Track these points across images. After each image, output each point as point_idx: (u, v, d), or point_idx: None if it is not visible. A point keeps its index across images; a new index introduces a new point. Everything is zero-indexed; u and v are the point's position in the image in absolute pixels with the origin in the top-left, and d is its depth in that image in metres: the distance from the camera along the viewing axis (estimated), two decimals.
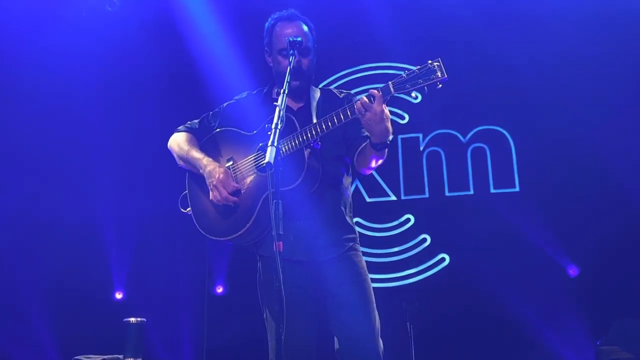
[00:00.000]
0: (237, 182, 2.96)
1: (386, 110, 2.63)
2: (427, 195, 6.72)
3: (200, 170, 3.02)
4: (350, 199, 3.06)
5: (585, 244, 6.03)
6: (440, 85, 2.56)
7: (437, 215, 6.60)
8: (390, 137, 2.71)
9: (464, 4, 6.51)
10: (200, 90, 6.61)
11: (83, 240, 6.82)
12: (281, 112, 2.50)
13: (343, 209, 2.98)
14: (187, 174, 3.22)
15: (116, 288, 6.90)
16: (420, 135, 6.87)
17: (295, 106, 3.08)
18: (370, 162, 2.85)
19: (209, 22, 6.60)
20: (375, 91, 2.61)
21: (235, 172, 2.99)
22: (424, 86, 2.56)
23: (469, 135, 6.77)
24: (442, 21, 6.56)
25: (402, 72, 2.64)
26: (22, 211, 6.68)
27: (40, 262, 6.64)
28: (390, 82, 2.62)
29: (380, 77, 6.56)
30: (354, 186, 3.24)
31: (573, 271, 6.14)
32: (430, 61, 2.58)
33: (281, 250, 2.28)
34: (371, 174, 6.62)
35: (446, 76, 2.53)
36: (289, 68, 2.75)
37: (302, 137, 2.76)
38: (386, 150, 2.78)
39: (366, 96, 2.61)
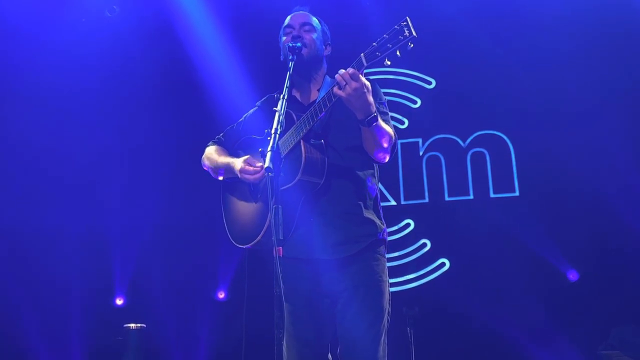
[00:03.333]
0: (253, 189, 2.94)
1: (365, 82, 2.54)
2: (426, 200, 6.72)
3: (235, 172, 2.96)
4: (373, 191, 2.93)
5: (585, 248, 6.02)
6: (412, 45, 2.42)
7: (437, 220, 6.61)
8: (373, 109, 2.61)
9: (464, 10, 6.53)
10: (201, 97, 6.65)
11: (86, 247, 6.82)
12: (280, 117, 2.50)
13: (361, 202, 2.86)
14: (221, 189, 3.20)
15: (117, 294, 6.89)
16: (420, 140, 6.88)
17: (305, 101, 3.05)
18: (371, 143, 2.75)
19: (209, 29, 6.62)
20: (349, 68, 2.53)
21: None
22: (395, 50, 2.44)
23: (468, 140, 6.78)
24: (441, 27, 6.57)
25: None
26: (25, 216, 6.66)
27: (43, 267, 6.62)
28: (362, 54, 2.53)
29: (380, 82, 6.56)
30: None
31: (573, 276, 6.13)
32: (398, 23, 2.45)
33: (281, 255, 2.27)
34: None
35: (414, 34, 2.39)
36: (288, 73, 2.75)
37: (298, 131, 2.73)
38: (379, 125, 2.67)
39: (340, 75, 2.53)
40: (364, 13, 6.72)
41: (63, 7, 6.76)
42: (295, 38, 2.95)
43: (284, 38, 3.03)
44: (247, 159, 2.91)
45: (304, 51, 2.93)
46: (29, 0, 6.53)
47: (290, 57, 2.84)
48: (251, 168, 2.85)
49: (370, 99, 2.59)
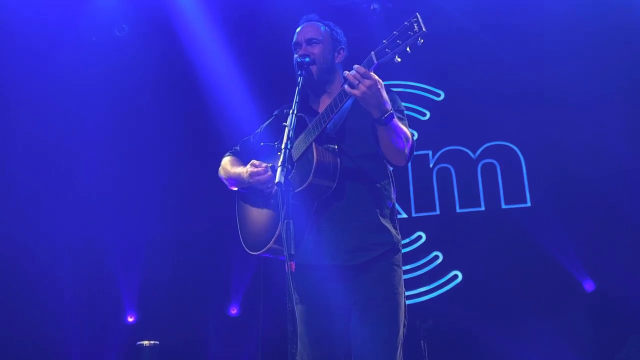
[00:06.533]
0: (266, 197, 2.92)
1: (377, 78, 2.50)
2: (438, 212, 6.70)
3: (245, 180, 2.95)
4: (390, 201, 2.90)
5: (600, 258, 5.98)
6: (422, 41, 2.38)
7: (449, 232, 6.58)
8: (389, 106, 2.56)
9: (472, 22, 6.54)
10: (210, 106, 6.69)
11: (91, 263, 6.83)
12: (290, 133, 2.49)
13: (377, 210, 2.82)
14: (236, 198, 3.19)
15: (127, 312, 6.88)
16: (430, 152, 6.87)
17: (321, 108, 2.98)
18: (387, 143, 2.68)
19: (217, 46, 6.67)
20: (359, 66, 2.49)
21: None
22: (405, 46, 2.40)
23: (478, 151, 6.76)
24: (449, 39, 6.58)
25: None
26: (24, 232, 6.57)
27: (51, 285, 6.61)
28: (372, 52, 2.50)
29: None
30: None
31: (589, 286, 6.08)
32: (408, 19, 2.41)
33: (293, 270, 2.25)
34: None
35: (424, 29, 2.34)
36: (297, 88, 2.74)
37: (311, 134, 2.72)
38: (395, 123, 2.63)
39: (351, 74, 2.50)
40: (370, 26, 6.76)
41: (74, 26, 6.83)
42: (302, 56, 2.94)
43: (295, 55, 3.03)
44: (252, 162, 2.89)
45: (313, 68, 2.93)
46: (43, 21, 6.58)
47: (299, 72, 2.84)
48: (260, 169, 2.83)
49: (385, 94, 2.55)
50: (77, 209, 6.85)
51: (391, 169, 2.97)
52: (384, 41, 2.48)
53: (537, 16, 6.52)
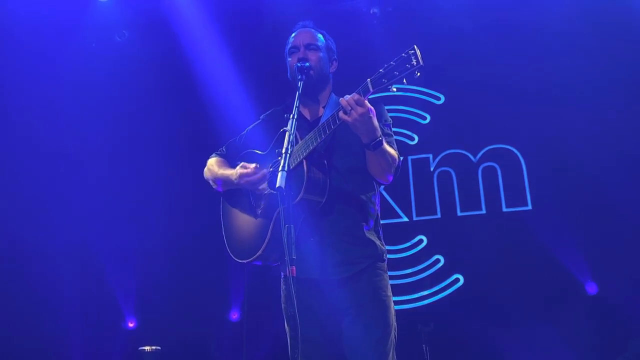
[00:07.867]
0: (254, 202, 2.95)
1: (370, 107, 2.56)
2: (439, 216, 6.70)
3: (234, 182, 2.96)
4: (375, 212, 2.94)
5: (602, 261, 5.97)
6: (419, 74, 2.44)
7: (450, 235, 6.57)
8: (378, 133, 2.63)
9: (472, 25, 6.54)
10: (208, 118, 6.68)
11: (92, 270, 6.82)
12: (291, 137, 2.51)
13: (363, 223, 2.86)
14: (221, 202, 3.21)
15: (128, 317, 6.87)
16: (431, 156, 6.87)
17: (310, 117, 3.05)
18: (375, 166, 2.76)
19: (217, 51, 6.68)
20: (355, 94, 2.55)
21: (253, 191, 2.99)
22: (401, 78, 2.45)
23: (479, 155, 6.76)
24: (449, 43, 6.59)
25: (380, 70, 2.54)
26: (26, 239, 6.60)
27: (52, 291, 6.60)
28: (368, 80, 2.54)
29: (389, 99, 6.56)
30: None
31: (591, 289, 6.07)
32: (405, 51, 2.46)
33: (294, 275, 2.27)
34: (382, 195, 6.65)
35: (421, 63, 2.40)
36: (297, 93, 2.75)
37: (302, 151, 2.73)
38: (384, 148, 2.69)
39: (345, 100, 2.56)
40: (370, 29, 6.76)
41: (75, 31, 6.85)
42: (301, 60, 2.94)
43: (290, 59, 3.04)
44: (242, 164, 2.90)
45: (311, 72, 2.93)
46: (43, 27, 6.58)
47: (299, 77, 2.85)
48: (249, 170, 2.85)
49: (376, 123, 2.62)
50: (77, 213, 6.86)
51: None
52: (380, 70, 2.51)
53: (538, 21, 6.52)
